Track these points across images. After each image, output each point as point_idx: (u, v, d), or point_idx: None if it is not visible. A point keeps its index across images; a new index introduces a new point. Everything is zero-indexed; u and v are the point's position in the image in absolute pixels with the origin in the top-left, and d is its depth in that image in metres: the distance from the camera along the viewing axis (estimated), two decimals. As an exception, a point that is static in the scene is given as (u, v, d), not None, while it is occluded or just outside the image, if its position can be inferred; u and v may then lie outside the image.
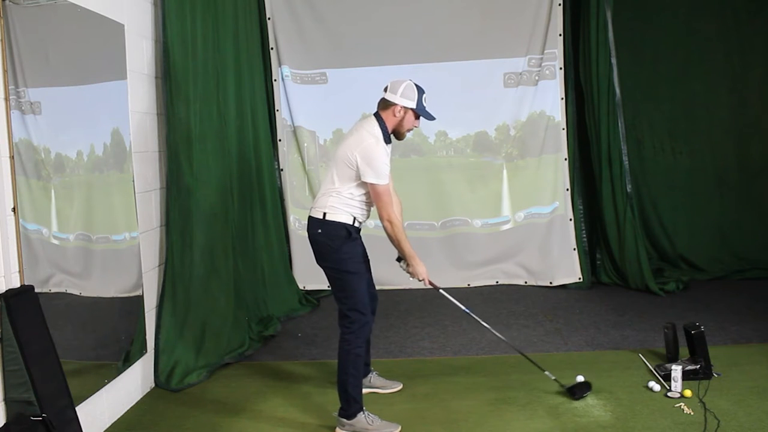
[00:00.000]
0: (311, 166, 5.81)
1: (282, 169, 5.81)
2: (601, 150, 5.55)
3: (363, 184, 3.12)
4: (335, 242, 3.11)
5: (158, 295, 3.75)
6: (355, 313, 3.10)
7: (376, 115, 3.21)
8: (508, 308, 5.09)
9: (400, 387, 3.59)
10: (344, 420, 3.11)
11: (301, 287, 5.55)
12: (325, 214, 3.12)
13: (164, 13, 3.75)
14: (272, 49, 5.70)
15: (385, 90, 3.21)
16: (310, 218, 3.19)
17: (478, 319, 3.60)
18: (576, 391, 3.37)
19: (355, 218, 3.16)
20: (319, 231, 3.13)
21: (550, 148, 5.69)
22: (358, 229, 3.21)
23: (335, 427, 3.13)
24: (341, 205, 3.13)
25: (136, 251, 3.53)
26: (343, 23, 5.72)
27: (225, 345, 4.08)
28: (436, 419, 3.20)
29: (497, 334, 3.67)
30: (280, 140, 5.79)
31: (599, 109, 5.49)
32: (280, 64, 5.73)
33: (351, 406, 3.10)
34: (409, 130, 3.25)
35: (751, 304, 4.87)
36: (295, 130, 5.79)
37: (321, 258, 3.19)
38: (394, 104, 3.16)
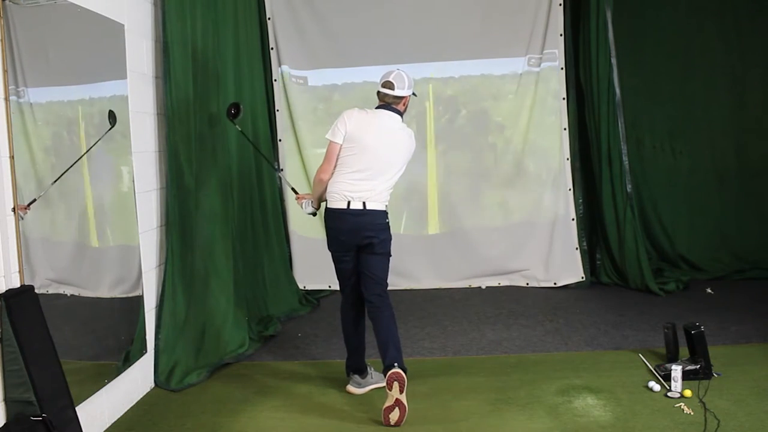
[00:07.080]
0: (310, 166, 5.81)
1: (282, 169, 5.80)
2: (601, 150, 5.54)
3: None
4: (388, 228, 3.47)
5: (158, 295, 3.75)
6: (386, 285, 3.49)
7: (394, 109, 3.42)
8: (508, 308, 5.08)
9: None
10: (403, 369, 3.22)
11: (301, 287, 5.55)
12: (386, 206, 3.44)
13: (164, 13, 3.75)
14: (272, 49, 5.70)
15: (390, 87, 3.41)
16: (374, 211, 3.36)
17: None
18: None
19: None
20: (387, 221, 3.42)
21: (550, 148, 5.69)
22: None
23: (335, 424, 3.14)
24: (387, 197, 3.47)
25: (136, 251, 3.53)
26: (343, 23, 5.72)
27: (225, 345, 4.08)
28: (436, 419, 3.20)
29: None
30: (280, 140, 5.79)
31: (599, 109, 5.49)
32: (280, 64, 5.73)
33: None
34: None
35: (751, 304, 4.86)
36: (295, 130, 5.79)
37: (386, 245, 3.43)
38: (405, 97, 3.44)
